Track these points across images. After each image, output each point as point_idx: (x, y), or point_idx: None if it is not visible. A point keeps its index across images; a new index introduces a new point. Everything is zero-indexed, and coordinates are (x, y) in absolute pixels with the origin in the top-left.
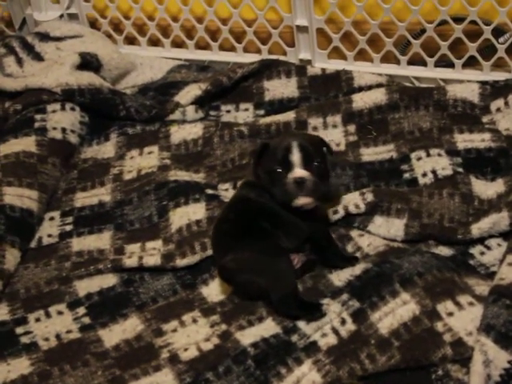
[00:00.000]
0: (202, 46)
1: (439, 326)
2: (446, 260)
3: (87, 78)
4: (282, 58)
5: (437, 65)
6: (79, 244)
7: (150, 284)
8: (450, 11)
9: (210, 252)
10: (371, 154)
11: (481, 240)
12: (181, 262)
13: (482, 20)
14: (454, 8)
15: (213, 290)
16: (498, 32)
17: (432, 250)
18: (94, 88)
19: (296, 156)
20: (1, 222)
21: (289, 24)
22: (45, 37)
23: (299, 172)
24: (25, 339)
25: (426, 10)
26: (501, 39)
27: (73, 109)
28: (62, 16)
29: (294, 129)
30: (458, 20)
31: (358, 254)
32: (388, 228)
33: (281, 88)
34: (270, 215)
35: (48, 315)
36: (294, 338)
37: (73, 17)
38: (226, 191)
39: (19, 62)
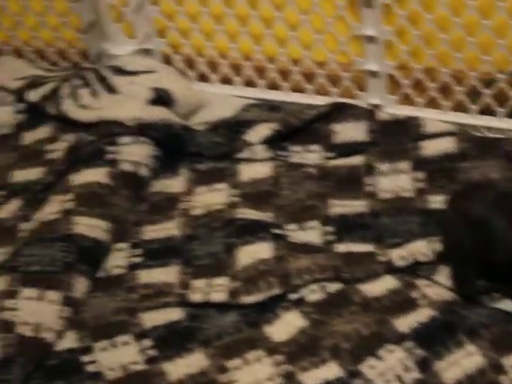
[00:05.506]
0: (273, 86)
1: (504, 380)
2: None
3: (159, 113)
4: (351, 101)
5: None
6: (147, 276)
7: (215, 320)
8: None
9: (275, 291)
10: (440, 201)
11: None
12: (246, 300)
13: None
14: None
15: (277, 330)
16: None
17: (497, 303)
18: (165, 123)
19: None
20: (71, 250)
21: (360, 68)
22: (119, 70)
23: None
24: (90, 368)
25: (499, 60)
26: None
27: (144, 142)
28: (137, 51)
29: (363, 172)
30: None
31: (423, 301)
32: None
33: (350, 131)
34: None
35: (114, 345)
36: (357, 382)
37: (147, 52)
38: (293, 231)
39: (94, 94)
